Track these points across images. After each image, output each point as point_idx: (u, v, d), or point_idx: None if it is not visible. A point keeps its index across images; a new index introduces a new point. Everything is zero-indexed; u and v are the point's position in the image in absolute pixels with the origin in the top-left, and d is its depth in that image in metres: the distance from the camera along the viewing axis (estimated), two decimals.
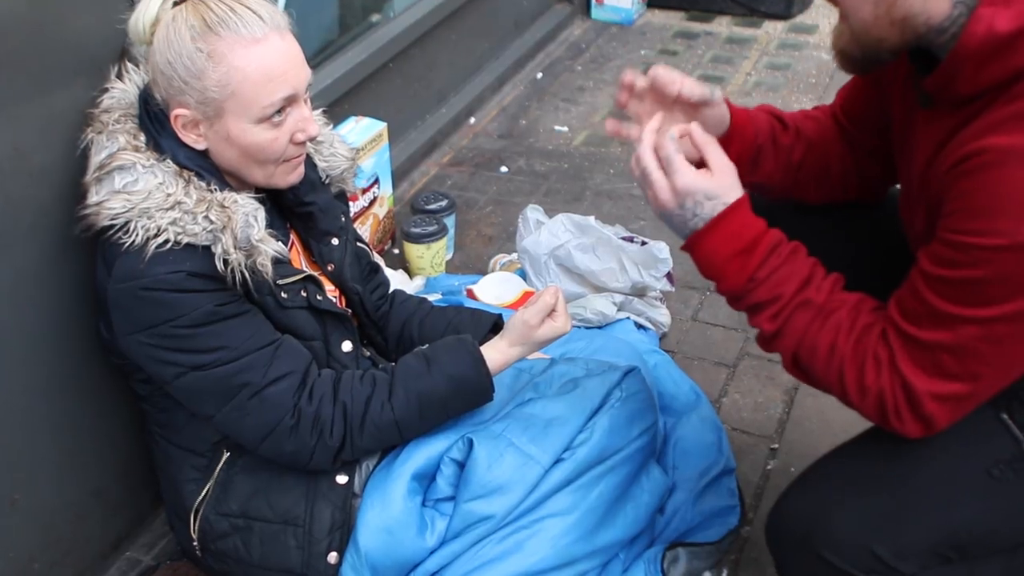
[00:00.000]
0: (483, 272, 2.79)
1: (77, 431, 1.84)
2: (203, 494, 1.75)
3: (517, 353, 1.74)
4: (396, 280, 2.59)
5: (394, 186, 2.96)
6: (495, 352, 1.73)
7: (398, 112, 3.25)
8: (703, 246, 1.42)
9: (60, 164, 1.65)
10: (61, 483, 1.83)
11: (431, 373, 1.69)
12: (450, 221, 2.82)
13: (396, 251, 2.93)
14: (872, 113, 1.59)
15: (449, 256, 2.86)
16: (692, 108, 1.54)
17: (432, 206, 2.81)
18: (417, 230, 2.69)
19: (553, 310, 1.71)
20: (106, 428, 1.89)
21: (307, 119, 1.63)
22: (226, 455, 1.75)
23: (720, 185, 1.39)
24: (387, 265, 2.69)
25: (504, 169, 3.42)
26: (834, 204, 1.73)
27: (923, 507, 1.38)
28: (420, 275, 2.71)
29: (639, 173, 1.44)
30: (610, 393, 1.81)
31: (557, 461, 1.72)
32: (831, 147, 1.68)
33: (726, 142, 1.53)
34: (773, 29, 4.47)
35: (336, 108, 2.83)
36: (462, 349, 1.72)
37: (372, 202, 2.77)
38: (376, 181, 2.76)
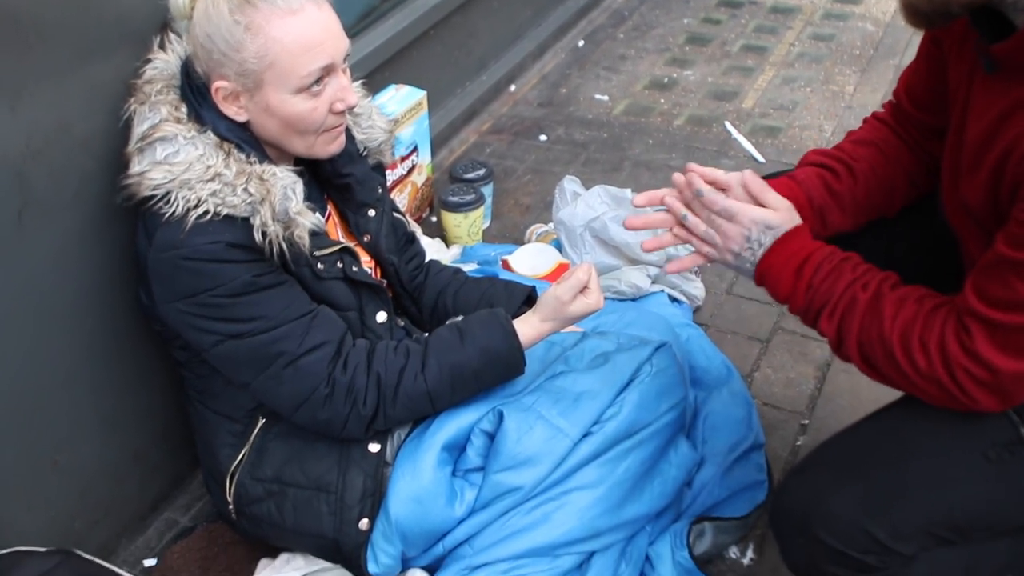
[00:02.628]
0: (520, 242, 2.80)
1: (117, 395, 1.88)
2: (239, 459, 1.79)
3: (549, 328, 1.75)
4: (433, 249, 2.61)
5: (433, 154, 2.97)
6: (527, 327, 1.75)
7: (438, 80, 3.25)
8: (769, 270, 1.48)
9: (103, 134, 1.68)
10: (101, 445, 1.88)
11: (464, 345, 1.71)
12: (488, 190, 2.83)
13: (434, 219, 2.95)
14: (936, 88, 1.54)
15: (486, 225, 2.88)
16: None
17: (470, 175, 2.82)
18: (455, 199, 2.71)
19: (586, 287, 1.72)
20: (145, 392, 1.93)
21: (346, 88, 1.64)
22: (262, 422, 1.79)
23: (780, 218, 1.47)
24: (424, 233, 2.71)
25: (543, 138, 3.42)
26: None
27: (917, 487, 1.38)
28: (457, 244, 2.73)
29: (703, 229, 1.52)
30: (640, 368, 1.82)
31: (586, 434, 1.74)
32: (892, 162, 1.66)
33: None
34: None
35: (376, 76, 2.84)
36: (494, 322, 1.74)
37: (411, 170, 2.79)
38: (415, 149, 2.78)
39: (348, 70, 1.67)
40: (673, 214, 1.58)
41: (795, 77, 3.77)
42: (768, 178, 1.59)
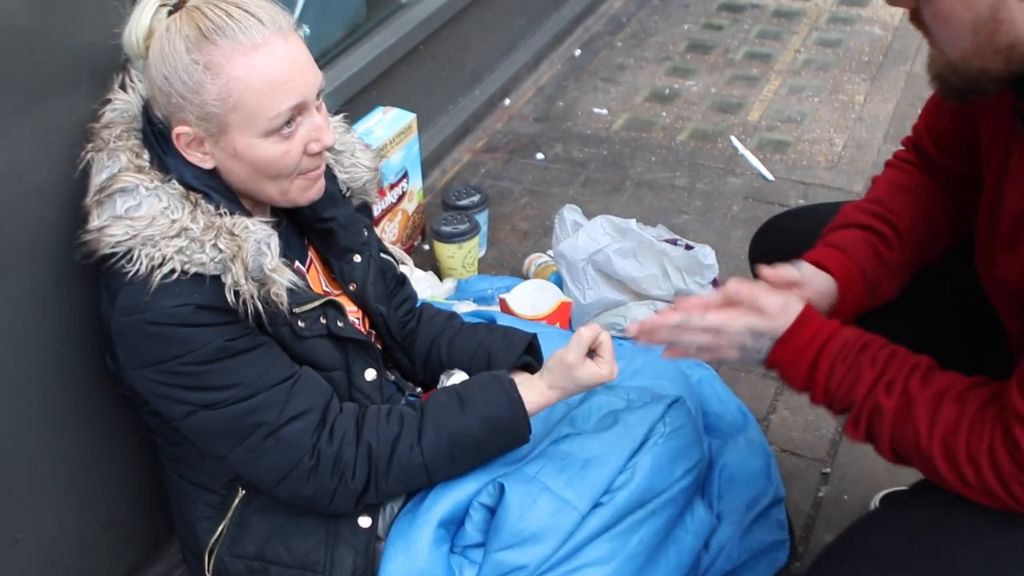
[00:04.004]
0: (517, 271, 2.65)
1: (84, 462, 1.74)
2: (218, 533, 1.65)
3: (556, 396, 1.62)
4: (425, 284, 2.46)
5: (424, 176, 2.82)
6: (534, 393, 1.60)
7: (428, 96, 3.10)
8: (779, 368, 1.39)
9: (59, 182, 1.52)
10: (68, 517, 1.73)
11: (464, 413, 1.57)
12: (483, 218, 2.68)
13: (426, 247, 2.79)
14: (964, 137, 1.42)
15: (482, 254, 2.73)
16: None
17: (464, 202, 2.67)
18: (448, 228, 2.55)
19: (596, 352, 1.58)
20: (115, 457, 1.79)
21: (320, 127, 1.49)
22: (241, 493, 1.64)
23: (770, 323, 1.36)
24: (416, 264, 2.57)
25: (540, 156, 3.27)
26: None
27: None
28: (451, 276, 2.58)
29: (694, 350, 1.44)
30: (653, 428, 1.67)
31: (595, 506, 1.59)
32: (931, 210, 1.53)
33: (842, 304, 1.47)
34: (823, 1, 4.25)
35: (362, 97, 2.70)
36: (498, 388, 1.59)
37: (400, 198, 2.63)
38: (405, 175, 2.63)
39: (323, 106, 1.52)
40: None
41: (802, 86, 3.62)
42: (816, 247, 1.50)
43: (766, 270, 1.47)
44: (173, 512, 1.75)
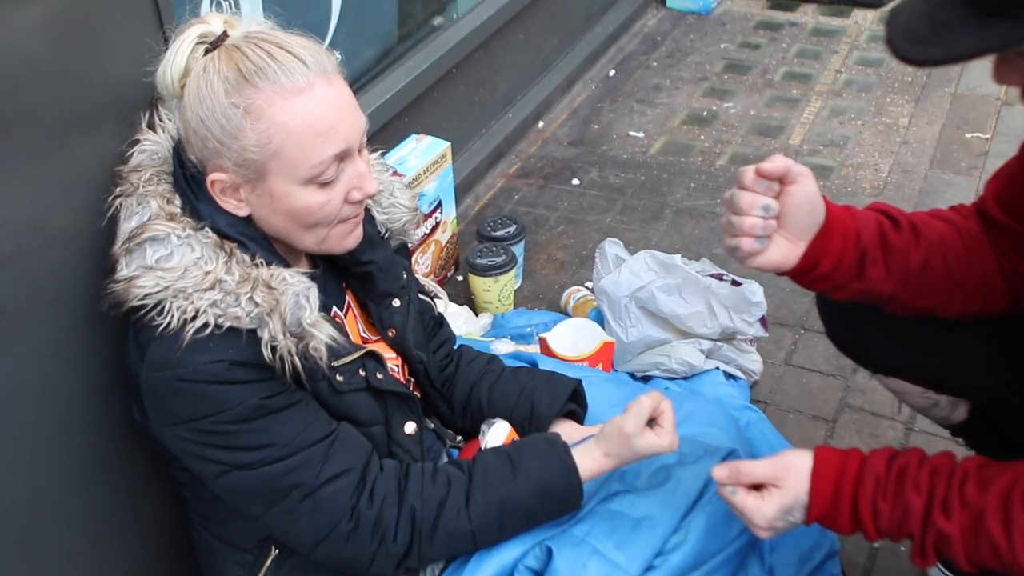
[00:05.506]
0: (555, 305, 2.57)
1: (110, 516, 1.66)
2: None
3: (612, 464, 1.53)
4: (460, 319, 2.38)
5: (457, 202, 2.74)
6: (589, 460, 1.52)
7: (461, 121, 3.02)
8: (822, 523, 1.33)
9: (85, 228, 1.45)
10: (90, 571, 1.65)
11: (516, 479, 1.48)
12: (519, 249, 2.59)
13: (459, 278, 2.71)
14: None
15: (517, 285, 2.64)
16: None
17: (499, 232, 2.58)
18: (483, 261, 2.47)
19: (656, 421, 1.49)
20: (140, 511, 1.71)
21: (363, 175, 1.41)
22: (275, 552, 1.56)
23: (789, 495, 1.32)
24: (449, 296, 2.48)
25: (576, 182, 3.18)
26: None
27: None
28: (486, 310, 2.49)
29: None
30: (707, 486, 1.59)
31: (647, 569, 1.51)
32: (969, 249, 1.42)
33: (823, 238, 1.33)
34: (863, 19, 4.16)
35: (395, 123, 2.62)
36: (552, 454, 1.51)
37: (434, 228, 2.55)
38: (439, 205, 2.55)
39: (366, 150, 1.44)
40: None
41: (844, 108, 3.52)
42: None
43: (751, 168, 1.32)
44: (202, 570, 1.67)
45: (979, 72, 3.45)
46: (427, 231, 2.52)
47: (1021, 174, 1.37)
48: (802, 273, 1.36)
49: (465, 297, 2.58)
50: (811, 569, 1.80)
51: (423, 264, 2.54)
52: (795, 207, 1.30)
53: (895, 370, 1.71)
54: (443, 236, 2.61)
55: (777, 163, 1.28)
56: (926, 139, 3.24)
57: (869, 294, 1.40)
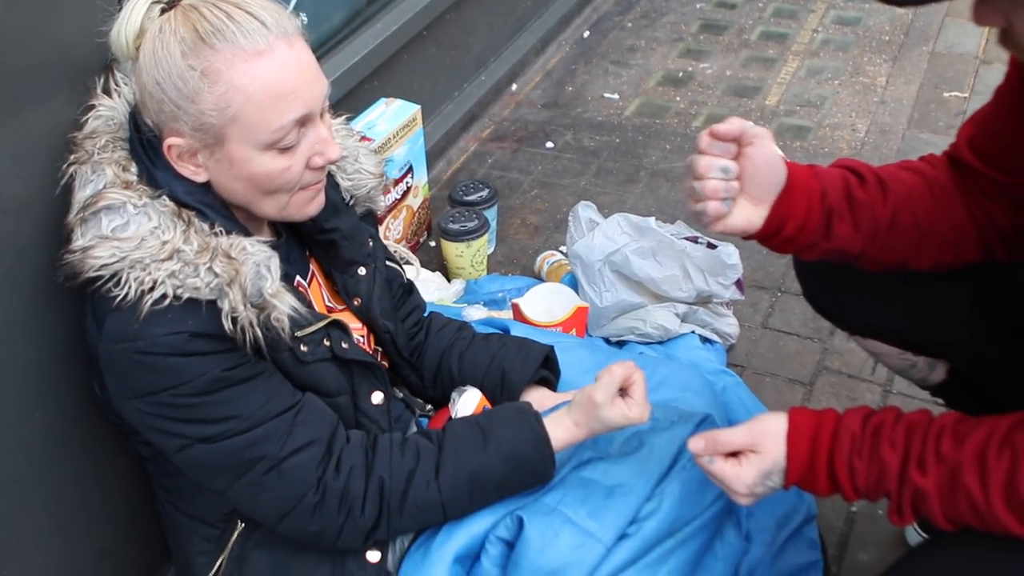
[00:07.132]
0: (528, 269, 2.53)
1: (70, 493, 1.63)
2: (216, 568, 1.54)
3: (584, 434, 1.51)
4: (432, 285, 2.34)
5: (429, 167, 2.69)
6: (561, 430, 1.50)
7: (433, 84, 2.97)
8: (801, 486, 1.31)
9: (38, 197, 1.41)
10: (58, 549, 1.63)
11: (487, 449, 1.46)
12: (491, 214, 2.56)
13: (432, 243, 2.67)
14: (1016, 143, 1.30)
15: (490, 251, 2.61)
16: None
17: (471, 197, 2.55)
18: (455, 226, 2.43)
19: (627, 392, 1.46)
20: (105, 487, 1.69)
21: (325, 140, 1.37)
22: (240, 526, 1.53)
23: (767, 459, 1.30)
24: (422, 262, 2.45)
25: (550, 144, 3.14)
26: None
27: None
28: (459, 276, 2.46)
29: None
30: (681, 452, 1.56)
31: (621, 537, 1.48)
32: (939, 200, 1.39)
33: (786, 199, 1.31)
34: None
35: (364, 86, 2.57)
36: (523, 424, 1.48)
37: (405, 193, 2.51)
38: (409, 170, 2.50)
39: (328, 114, 1.40)
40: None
41: (821, 68, 3.48)
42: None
43: (707, 132, 1.30)
44: (169, 545, 1.65)
45: (957, 31, 3.43)
46: (398, 196, 2.48)
47: (995, 119, 1.35)
48: (768, 236, 1.34)
49: (437, 263, 2.55)
50: (789, 534, 1.78)
51: (395, 230, 2.50)
52: (754, 169, 1.28)
53: (872, 331, 1.69)
54: (415, 201, 2.57)
55: (732, 124, 1.27)
56: (904, 98, 3.21)
57: (839, 252, 1.38)
